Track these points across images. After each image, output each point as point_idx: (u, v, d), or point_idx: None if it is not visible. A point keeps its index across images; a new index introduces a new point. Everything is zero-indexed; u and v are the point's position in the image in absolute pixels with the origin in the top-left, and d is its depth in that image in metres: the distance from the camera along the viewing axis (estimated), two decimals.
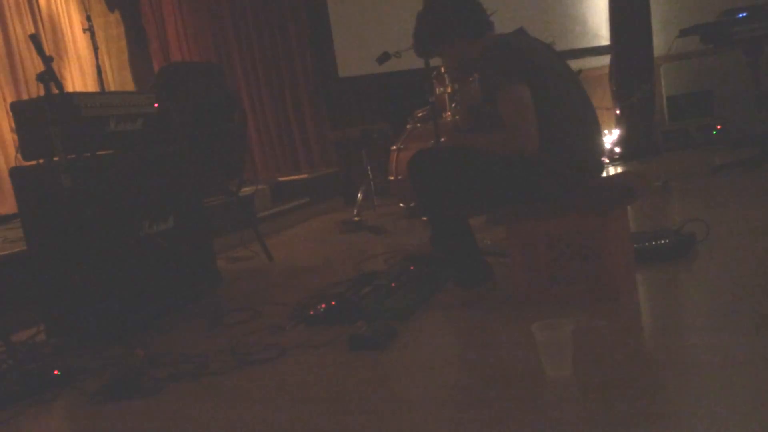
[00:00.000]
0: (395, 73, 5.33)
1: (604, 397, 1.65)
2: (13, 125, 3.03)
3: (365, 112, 6.91)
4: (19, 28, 6.02)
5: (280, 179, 6.48)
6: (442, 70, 4.84)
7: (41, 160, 2.91)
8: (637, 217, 3.60)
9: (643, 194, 2.58)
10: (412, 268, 3.03)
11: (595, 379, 1.76)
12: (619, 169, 5.62)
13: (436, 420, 1.70)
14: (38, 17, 6.27)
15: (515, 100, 2.38)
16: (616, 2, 6.12)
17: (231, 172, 4.34)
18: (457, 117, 4.70)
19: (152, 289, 3.01)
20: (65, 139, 2.65)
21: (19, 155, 2.97)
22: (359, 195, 5.32)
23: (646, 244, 2.73)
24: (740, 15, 4.49)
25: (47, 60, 2.65)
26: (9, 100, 5.52)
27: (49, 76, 2.64)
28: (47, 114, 2.63)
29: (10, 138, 5.66)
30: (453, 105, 4.88)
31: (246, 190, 5.08)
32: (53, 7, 6.50)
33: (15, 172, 2.95)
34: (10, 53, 5.92)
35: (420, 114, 5.09)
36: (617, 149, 6.03)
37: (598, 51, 6.27)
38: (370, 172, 5.51)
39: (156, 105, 3.28)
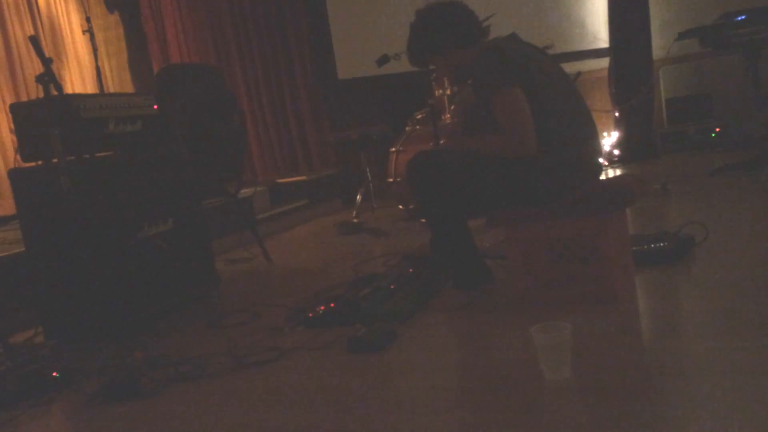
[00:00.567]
0: (394, 75, 5.33)
1: (602, 400, 1.65)
2: (12, 127, 3.02)
3: (364, 114, 6.91)
4: (19, 30, 6.02)
5: (279, 181, 6.48)
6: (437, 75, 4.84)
7: (40, 162, 2.91)
8: (636, 220, 3.60)
9: (641, 197, 2.58)
10: (411, 270, 3.03)
11: (594, 382, 1.76)
12: (618, 172, 5.63)
13: (434, 422, 1.70)
14: (38, 19, 6.27)
15: (510, 103, 2.39)
16: (616, 5, 6.13)
17: (230, 173, 4.34)
18: (454, 119, 4.71)
19: (151, 291, 3.00)
20: (64, 140, 2.65)
21: (18, 157, 2.97)
22: (358, 197, 5.32)
23: (645, 246, 2.73)
24: (739, 18, 4.50)
25: (46, 61, 2.65)
26: (8, 101, 5.53)
27: (49, 77, 2.64)
28: (46, 115, 2.63)
29: (9, 139, 5.66)
30: (452, 107, 4.89)
31: (245, 191, 5.08)
32: (53, 8, 6.50)
33: (14, 174, 2.95)
34: (9, 55, 5.92)
35: (419, 116, 5.09)
36: (616, 152, 6.03)
37: (597, 53, 6.28)
38: (369, 174, 5.52)
39: (155, 107, 3.28)
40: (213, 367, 2.29)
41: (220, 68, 6.45)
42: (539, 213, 2.40)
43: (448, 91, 4.93)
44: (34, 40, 2.74)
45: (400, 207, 5.01)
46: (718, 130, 5.94)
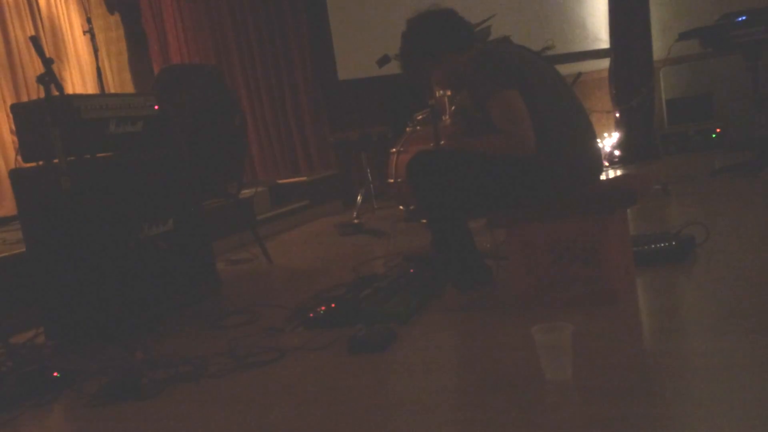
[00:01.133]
0: (395, 75, 5.32)
1: (603, 400, 1.65)
2: (13, 127, 3.03)
3: (365, 115, 6.90)
4: (19, 30, 6.02)
5: (280, 182, 6.48)
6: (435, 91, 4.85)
7: (41, 162, 2.91)
8: (637, 220, 3.60)
9: (642, 197, 2.58)
10: (411, 270, 3.03)
11: (595, 382, 1.76)
12: (619, 173, 5.62)
13: (435, 423, 1.70)
14: (38, 19, 6.28)
15: (507, 105, 2.39)
16: (616, 5, 6.13)
17: (230, 174, 4.34)
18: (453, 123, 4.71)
19: (151, 292, 3.00)
20: (65, 141, 2.65)
21: (18, 157, 2.97)
22: (358, 197, 5.32)
23: (646, 247, 2.73)
24: (739, 18, 4.50)
25: (47, 62, 2.65)
26: (9, 101, 5.53)
27: (49, 78, 2.64)
28: (47, 116, 2.63)
29: (9, 140, 5.66)
30: (452, 107, 4.88)
31: (245, 192, 5.09)
32: (53, 9, 6.51)
33: (14, 174, 2.95)
34: (10, 55, 5.92)
35: (420, 117, 5.09)
36: (617, 152, 6.03)
37: (598, 54, 6.27)
38: (369, 175, 5.51)
39: (156, 107, 3.28)
40: (214, 368, 2.29)
41: (220, 69, 6.45)
42: (540, 213, 2.40)
43: (449, 92, 4.93)
44: (35, 41, 2.75)
45: (401, 208, 5.01)
46: (718, 130, 5.94)
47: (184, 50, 7.13)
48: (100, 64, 5.56)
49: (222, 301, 3.37)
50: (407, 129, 5.13)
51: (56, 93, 2.67)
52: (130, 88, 7.06)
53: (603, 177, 2.81)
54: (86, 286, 2.80)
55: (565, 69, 5.67)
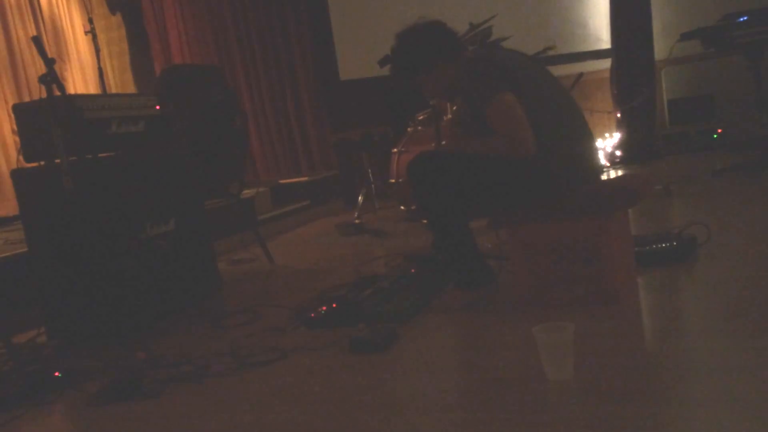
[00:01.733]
0: None
1: (604, 400, 1.65)
2: (15, 127, 3.03)
3: (366, 115, 6.90)
4: (21, 30, 6.03)
5: (281, 182, 6.49)
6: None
7: (43, 162, 2.92)
8: (638, 221, 3.60)
9: (644, 197, 2.58)
10: (412, 270, 3.03)
11: (596, 382, 1.76)
12: (620, 173, 5.62)
13: (436, 423, 1.70)
14: (40, 19, 6.28)
15: (504, 107, 2.39)
16: (617, 6, 6.13)
17: (232, 174, 4.35)
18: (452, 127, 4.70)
19: (153, 292, 3.01)
20: (67, 141, 2.65)
21: (20, 157, 2.98)
22: (360, 197, 5.32)
23: (647, 247, 2.73)
24: (741, 19, 4.50)
25: (49, 62, 2.65)
26: (11, 102, 5.53)
27: (51, 78, 2.64)
28: (49, 116, 2.63)
29: (11, 140, 5.67)
30: (454, 108, 4.88)
31: (247, 192, 5.09)
32: (55, 9, 6.51)
33: (16, 174, 2.95)
34: (12, 55, 5.93)
35: (421, 117, 5.09)
36: (618, 153, 6.02)
37: (599, 54, 6.28)
38: (370, 175, 5.52)
39: (157, 107, 3.28)
40: (215, 368, 2.29)
41: (222, 69, 6.46)
42: (541, 214, 2.41)
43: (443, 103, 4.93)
44: (37, 41, 2.75)
45: (402, 208, 5.02)
46: (720, 131, 5.94)
47: (185, 51, 7.13)
48: (102, 64, 5.57)
49: (223, 301, 3.38)
50: (408, 129, 5.13)
51: (58, 93, 2.67)
52: (131, 88, 7.06)
53: (604, 177, 2.81)
54: (88, 286, 2.80)
55: (567, 69, 5.72)
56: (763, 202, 3.81)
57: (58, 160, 2.70)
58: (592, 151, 2.70)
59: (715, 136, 5.94)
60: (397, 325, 2.41)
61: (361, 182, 5.57)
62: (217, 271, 3.57)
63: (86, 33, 5.73)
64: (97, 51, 5.53)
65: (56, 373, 2.35)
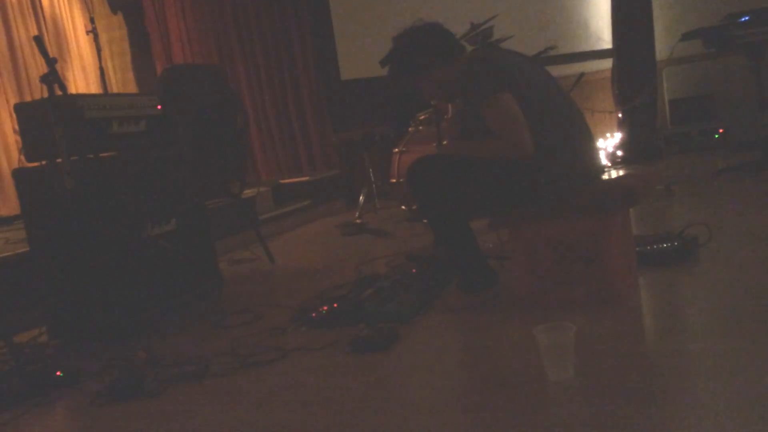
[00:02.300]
0: None
1: (605, 400, 1.65)
2: (17, 127, 3.04)
3: (367, 115, 6.91)
4: (23, 30, 6.04)
5: (282, 181, 6.49)
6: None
7: (44, 162, 2.92)
8: (640, 221, 3.60)
9: (645, 197, 2.58)
10: (414, 270, 3.03)
11: (597, 382, 1.76)
12: (621, 173, 5.62)
13: (437, 422, 1.70)
14: (41, 19, 6.29)
15: (501, 109, 2.39)
16: (619, 6, 6.13)
17: (233, 174, 4.35)
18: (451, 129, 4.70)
19: (154, 291, 3.01)
20: (68, 140, 2.66)
21: (22, 157, 2.98)
22: (361, 197, 5.33)
23: (649, 247, 2.73)
24: (743, 19, 4.49)
25: (51, 62, 2.66)
26: (12, 101, 5.55)
27: (53, 77, 2.64)
28: (50, 116, 2.63)
29: (13, 139, 5.68)
30: (454, 109, 4.88)
31: (248, 192, 5.09)
32: (56, 9, 6.52)
33: (18, 174, 2.96)
34: (13, 55, 5.94)
35: (422, 117, 5.09)
36: (619, 152, 6.02)
37: (601, 54, 6.27)
38: (371, 175, 5.52)
39: (159, 107, 3.28)
40: (216, 367, 2.29)
41: (223, 69, 6.46)
42: (543, 213, 2.40)
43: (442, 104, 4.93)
44: (39, 40, 2.75)
45: (403, 207, 5.02)
46: (721, 131, 5.93)
47: (186, 50, 7.14)
48: (103, 63, 5.57)
49: (224, 300, 3.38)
50: (410, 129, 5.13)
51: (60, 93, 2.67)
52: (133, 87, 7.07)
53: (605, 177, 2.81)
54: (89, 285, 2.81)
55: (568, 69, 5.72)
56: (764, 203, 3.80)
57: (59, 160, 2.71)
58: (592, 151, 2.70)
59: (716, 136, 5.94)
60: (398, 325, 2.41)
61: (362, 182, 5.57)
62: (219, 271, 3.57)
63: (88, 32, 5.74)
64: (99, 50, 5.54)
65: (57, 373, 2.35)
